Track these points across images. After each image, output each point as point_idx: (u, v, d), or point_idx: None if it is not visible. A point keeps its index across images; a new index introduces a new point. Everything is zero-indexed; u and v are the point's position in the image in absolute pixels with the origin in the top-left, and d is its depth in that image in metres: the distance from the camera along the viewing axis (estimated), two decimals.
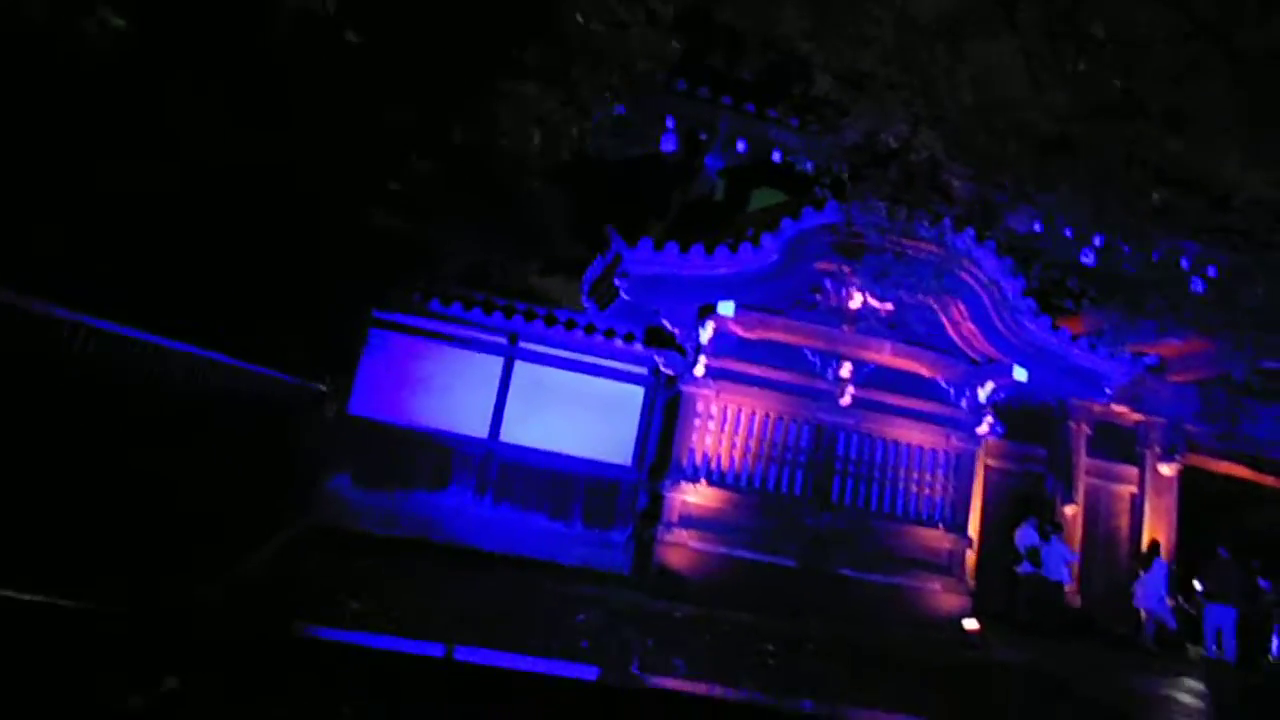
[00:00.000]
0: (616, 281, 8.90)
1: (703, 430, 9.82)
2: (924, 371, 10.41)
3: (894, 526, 10.03)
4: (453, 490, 10.08)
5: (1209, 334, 12.63)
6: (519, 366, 10.47)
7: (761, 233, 8.95)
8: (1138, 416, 13.85)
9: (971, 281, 9.55)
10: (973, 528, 12.78)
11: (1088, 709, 7.61)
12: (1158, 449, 13.79)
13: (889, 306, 9.92)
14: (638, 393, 10.72)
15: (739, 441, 9.93)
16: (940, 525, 10.14)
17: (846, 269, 9.35)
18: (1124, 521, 13.87)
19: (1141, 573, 12.23)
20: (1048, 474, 13.48)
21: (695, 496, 9.58)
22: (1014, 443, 13.48)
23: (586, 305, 10.39)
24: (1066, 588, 12.71)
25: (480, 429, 10.28)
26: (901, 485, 10.22)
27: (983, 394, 10.21)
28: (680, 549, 9.40)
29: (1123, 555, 13.44)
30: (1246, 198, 6.99)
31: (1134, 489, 13.89)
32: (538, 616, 7.12)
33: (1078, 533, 13.30)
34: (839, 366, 10.05)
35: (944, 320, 10.12)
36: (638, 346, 10.35)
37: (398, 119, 6.22)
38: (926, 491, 10.27)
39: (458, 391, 10.26)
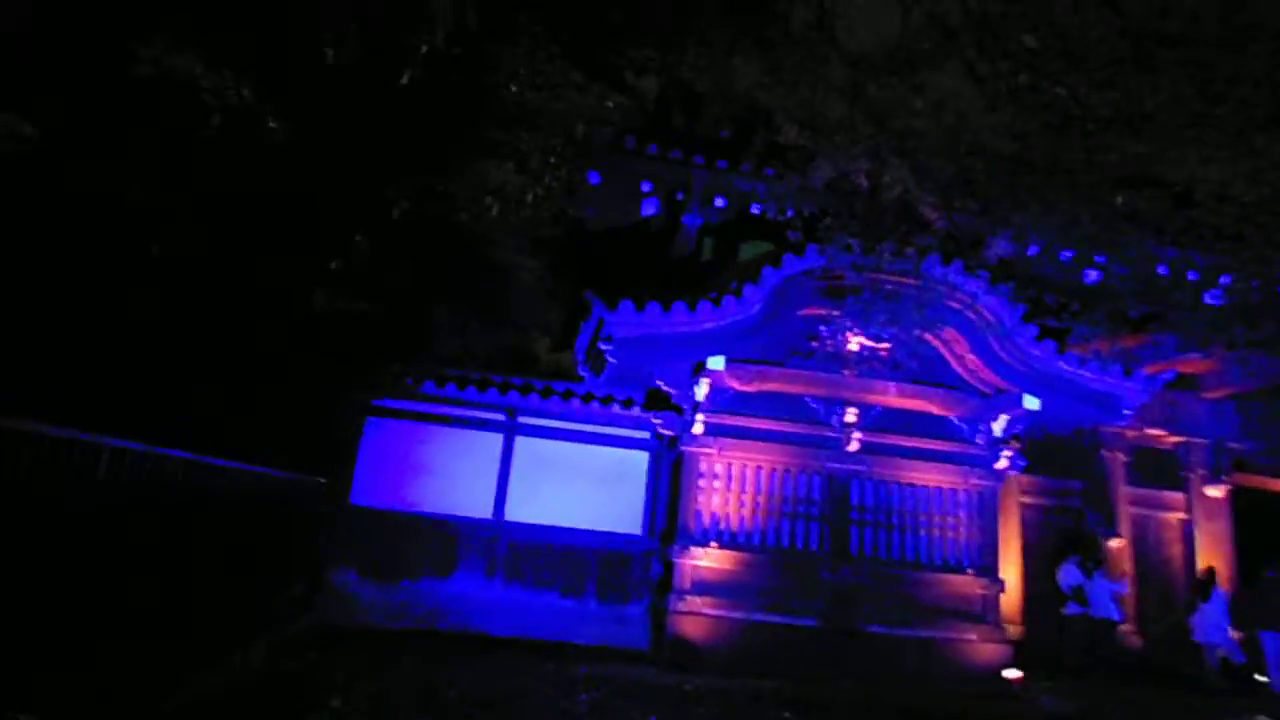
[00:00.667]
0: (602, 346, 8.83)
1: (708, 490, 9.55)
2: (934, 410, 10.07)
3: (919, 575, 9.56)
4: (459, 575, 9.87)
5: (1233, 347, 12.15)
6: (519, 442, 10.36)
7: (744, 284, 8.84)
8: (1176, 438, 13.25)
9: (965, 312, 9.29)
10: (1013, 570, 12.22)
11: None
12: (1202, 471, 13.11)
13: (886, 347, 9.69)
14: (643, 458, 10.51)
15: (747, 499, 9.63)
16: (969, 570, 9.64)
17: (835, 312, 9.17)
18: (1177, 550, 13.12)
19: (1199, 604, 11.44)
20: (1086, 508, 12.86)
21: (706, 560, 9.25)
22: (1047, 478, 12.95)
23: (583, 374, 10.30)
24: (1119, 626, 11.97)
25: (485, 509, 10.12)
26: (923, 531, 9.78)
27: (998, 428, 9.81)
28: (694, 618, 9.03)
29: (1179, 587, 12.67)
30: (1210, 193, 6.74)
31: (1183, 515, 13.18)
32: (537, 700, 6.81)
33: (1126, 566, 12.59)
34: (843, 413, 9.77)
35: (947, 355, 9.83)
36: (637, 411, 10.19)
37: (351, 201, 6.31)
38: (950, 535, 9.81)
39: (459, 473, 10.14)
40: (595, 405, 10.15)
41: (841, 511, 9.70)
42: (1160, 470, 13.29)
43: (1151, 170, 6.50)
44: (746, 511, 9.58)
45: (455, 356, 10.27)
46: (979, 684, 9.04)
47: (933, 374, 9.96)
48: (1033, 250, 10.29)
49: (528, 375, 10.39)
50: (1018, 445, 12.55)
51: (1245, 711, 9.49)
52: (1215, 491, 13.02)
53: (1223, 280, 10.91)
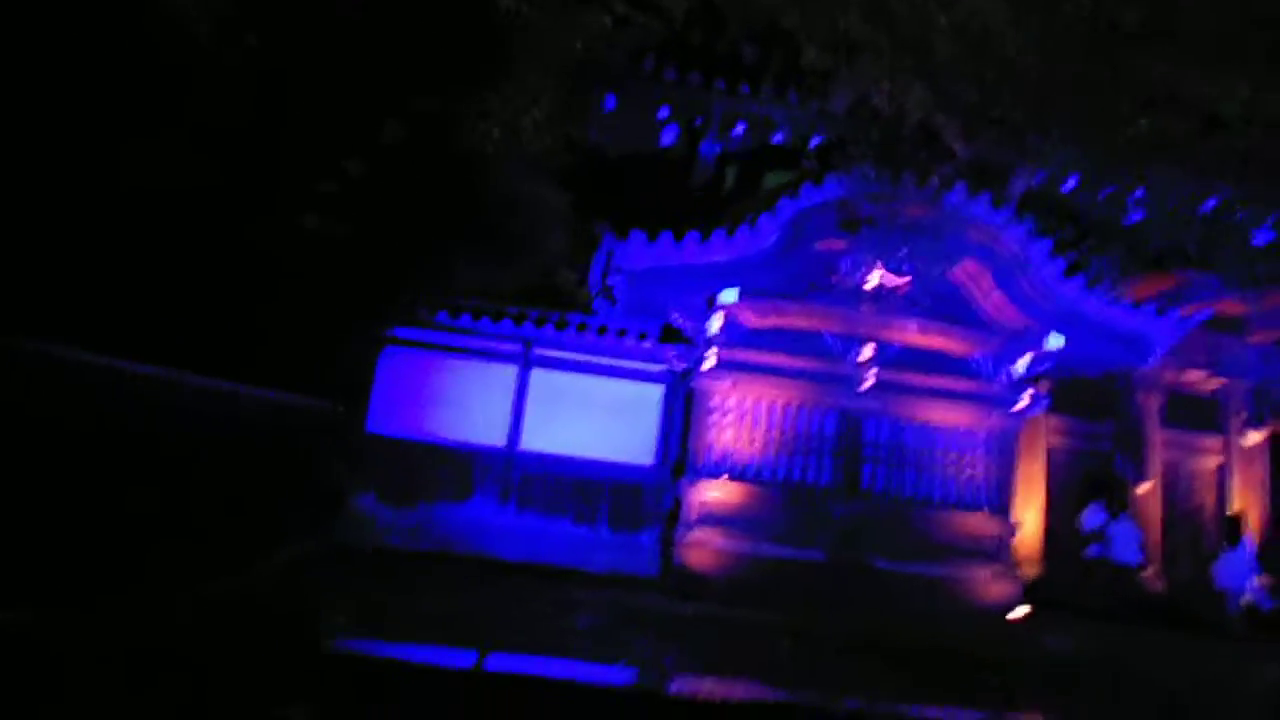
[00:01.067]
0: (612, 278, 8.74)
1: (720, 425, 9.51)
2: (955, 348, 9.82)
3: (931, 513, 9.47)
4: (475, 501, 10.05)
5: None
6: (535, 373, 10.39)
7: (760, 215, 8.62)
8: (1218, 382, 12.80)
9: (989, 245, 8.96)
10: (1035, 511, 12.06)
11: (1124, 693, 6.93)
12: (1242, 415, 12.67)
13: (906, 282, 9.42)
14: (657, 391, 10.48)
15: (759, 434, 9.58)
16: (984, 509, 9.52)
17: (854, 245, 8.91)
18: (1210, 497, 12.81)
19: (1224, 550, 11.18)
20: (1116, 450, 12.56)
21: (715, 493, 9.27)
22: (1078, 419, 12.67)
23: (597, 306, 10.23)
24: (1145, 570, 11.80)
25: (499, 438, 10.24)
26: (938, 469, 9.65)
27: (1020, 367, 9.55)
28: (701, 548, 9.10)
29: (1209, 533, 12.39)
30: (1237, 114, 6.29)
31: (1219, 460, 12.81)
32: (534, 620, 6.96)
33: (1156, 511, 12.34)
34: (860, 349, 9.59)
35: (970, 291, 9.54)
36: (651, 344, 10.12)
37: (343, 126, 6.24)
38: (966, 474, 9.67)
39: (474, 402, 10.24)
40: (610, 338, 10.11)
41: (854, 448, 9.61)
42: (1198, 414, 12.88)
43: (1179, 91, 6.10)
44: (758, 446, 9.53)
45: (472, 288, 10.27)
46: (986, 622, 9.01)
47: (955, 311, 9.69)
48: (1069, 186, 9.86)
49: (545, 307, 10.34)
50: (1045, 385, 12.27)
51: (1258, 657, 9.33)
52: (1255, 437, 12.60)
53: (1271, 219, 10.38)
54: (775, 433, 9.59)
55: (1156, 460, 12.51)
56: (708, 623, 7.66)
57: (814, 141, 8.76)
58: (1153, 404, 12.60)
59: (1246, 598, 11.05)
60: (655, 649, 6.45)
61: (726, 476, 9.31)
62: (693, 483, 9.25)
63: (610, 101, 9.34)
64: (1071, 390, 12.69)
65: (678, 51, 9.29)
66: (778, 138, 9.56)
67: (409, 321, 10.10)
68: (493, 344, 10.30)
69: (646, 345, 10.15)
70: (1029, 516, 12.06)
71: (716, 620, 7.77)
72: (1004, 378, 9.73)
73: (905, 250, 8.80)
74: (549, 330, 10.24)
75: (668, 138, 9.98)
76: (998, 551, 9.38)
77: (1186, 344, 12.75)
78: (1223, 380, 12.78)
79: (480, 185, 10.03)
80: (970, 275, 9.33)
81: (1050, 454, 12.60)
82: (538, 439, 10.30)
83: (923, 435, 9.72)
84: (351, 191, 7.59)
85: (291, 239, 8.84)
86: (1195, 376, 12.74)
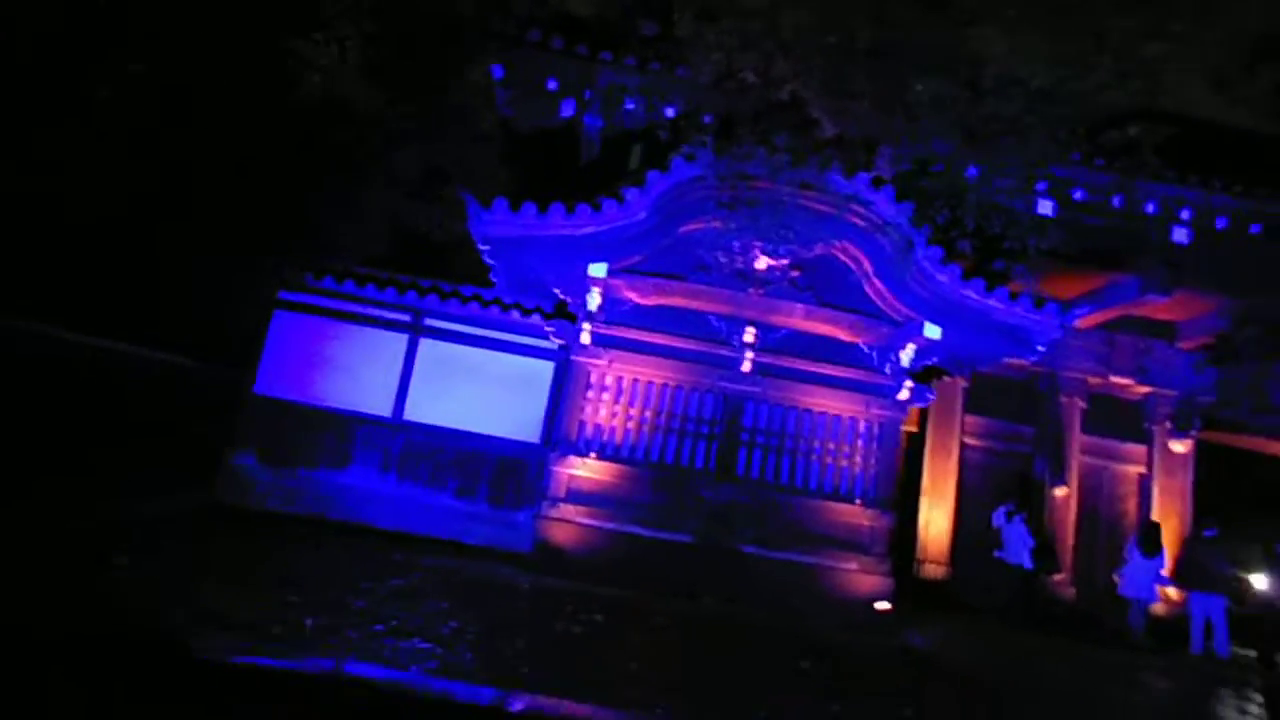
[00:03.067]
0: (479, 246, 8.67)
1: (595, 401, 9.41)
2: (843, 335, 9.64)
3: (806, 501, 9.29)
4: (355, 469, 10.04)
5: (1208, 290, 11.28)
6: (425, 344, 10.36)
7: (627, 189, 8.50)
8: (1145, 389, 12.48)
9: (867, 229, 8.76)
10: (945, 511, 11.85)
11: (932, 691, 6.74)
12: (1167, 424, 12.34)
13: (797, 266, 9.27)
14: (548, 368, 10.40)
15: (635, 412, 9.46)
16: (858, 500, 9.31)
17: (730, 224, 8.75)
18: (1131, 505, 12.51)
19: (1129, 559, 10.86)
20: (1036, 454, 12.30)
21: (584, 470, 9.17)
22: (997, 420, 12.45)
23: (495, 279, 10.16)
24: (1056, 576, 11.55)
25: (385, 407, 10.22)
26: (817, 457, 9.47)
27: (905, 357, 9.33)
28: (565, 525, 9.01)
29: (1130, 541, 12.03)
30: (1000, 76, 6.08)
31: (1142, 468, 12.49)
32: (342, 580, 6.90)
33: (1071, 517, 12.07)
34: (743, 332, 9.44)
35: (857, 277, 9.35)
36: (536, 319, 10.04)
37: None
38: (845, 464, 9.47)
39: (362, 369, 10.23)
40: (496, 310, 10.05)
41: (732, 432, 9.46)
42: (1122, 420, 12.59)
43: (953, 53, 5.92)
44: (633, 425, 9.42)
45: (370, 256, 10.26)
46: (852, 614, 8.82)
47: (846, 298, 9.50)
48: (972, 172, 9.63)
49: (441, 278, 10.30)
50: (961, 383, 12.04)
51: (1145, 669, 9.05)
52: (1179, 446, 12.28)
53: (1183, 215, 10.09)
54: (651, 412, 9.47)
55: (1075, 466, 12.23)
56: (544, 596, 7.56)
57: (677, 115, 8.60)
58: (1075, 408, 12.32)
59: (1149, 607, 10.74)
60: (458, 618, 6.36)
61: (595, 454, 9.20)
62: (561, 458, 9.16)
63: (498, 71, 9.26)
64: (991, 391, 12.48)
65: (566, 20, 9.20)
66: (670, 112, 9.43)
67: (301, 286, 10.10)
68: (383, 312, 10.30)
69: (534, 320, 10.06)
70: (938, 517, 11.89)
71: (555, 594, 7.67)
72: (890, 368, 9.53)
73: (783, 230, 8.63)
74: (444, 301, 10.20)
75: (569, 110, 9.88)
76: (870, 544, 9.18)
77: (1112, 349, 12.51)
78: (1150, 387, 12.46)
79: (382, 153, 10.03)
80: (853, 259, 9.15)
81: (966, 455, 12.39)
82: (424, 410, 10.26)
83: (804, 422, 9.55)
84: (241, 153, 7.65)
85: (180, 202, 8.90)
86: (1121, 382, 12.44)
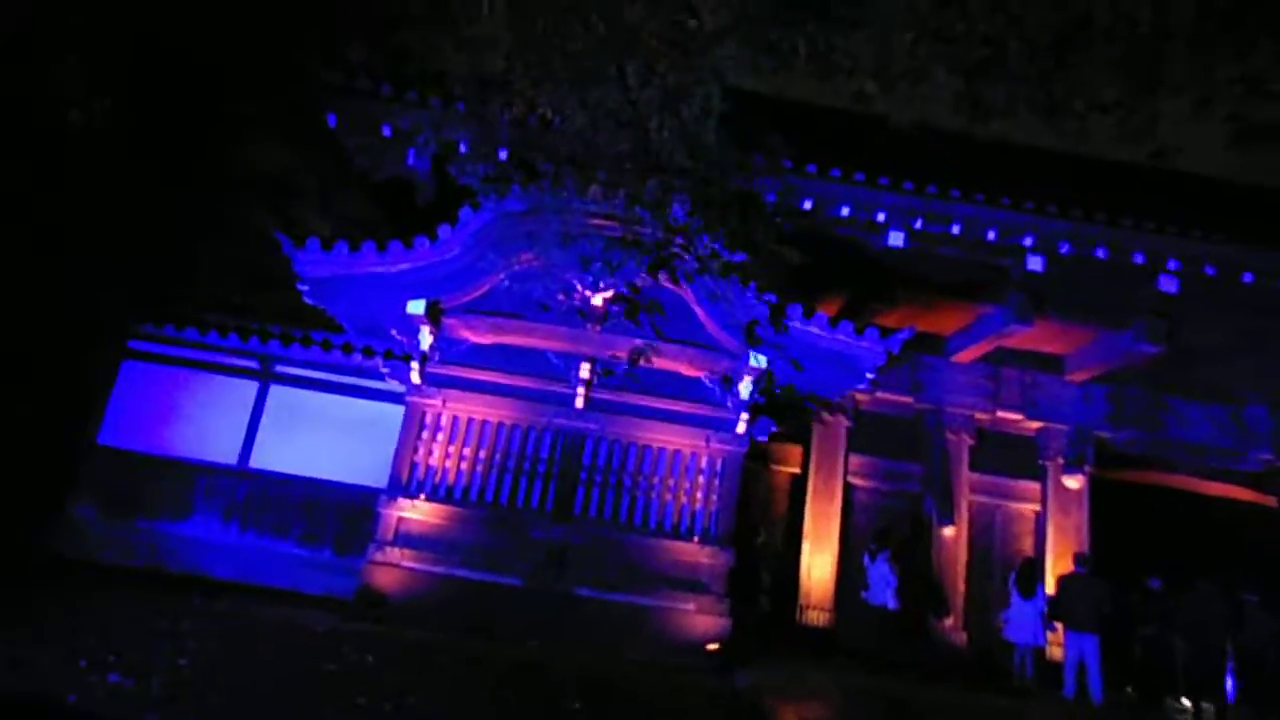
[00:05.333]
0: (299, 286, 8.66)
1: (427, 443, 9.25)
2: (685, 370, 9.49)
3: (643, 541, 9.00)
4: (197, 519, 9.87)
5: (1075, 319, 11.12)
6: (275, 390, 10.29)
7: (439, 226, 8.52)
8: (1035, 424, 12.20)
9: (690, 260, 8.70)
10: (831, 555, 11.47)
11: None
12: (1060, 459, 12.02)
13: (625, 299, 9.20)
14: (398, 411, 10.23)
15: (470, 453, 9.28)
16: (699, 539, 9.02)
17: (553, 259, 8.72)
18: (1028, 544, 12.08)
19: (1013, 601, 10.42)
20: (925, 493, 11.96)
21: (413, 513, 8.95)
22: (885, 459, 12.16)
23: (343, 324, 10.14)
24: (945, 621, 11.14)
25: (231, 455, 10.09)
26: (655, 495, 9.22)
27: (744, 390, 9.15)
28: (391, 569, 8.76)
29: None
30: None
31: (1037, 506, 12.11)
32: (121, 627, 6.66)
33: (961, 557, 11.66)
34: (580, 369, 9.32)
35: (691, 310, 9.27)
36: (380, 361, 9.96)
37: None
38: (684, 501, 9.21)
39: (210, 418, 10.16)
40: (356, 356, 10.02)
41: (571, 471, 9.24)
42: (1015, 457, 12.28)
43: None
44: (467, 465, 9.23)
45: (216, 303, 10.29)
46: (686, 656, 8.44)
47: (685, 331, 9.40)
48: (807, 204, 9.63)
49: (296, 323, 10.29)
50: (844, 421, 11.79)
51: (1000, 714, 8.58)
52: (1072, 482, 11.92)
53: (1026, 243, 9.97)
54: (487, 452, 9.28)
55: (965, 505, 11.87)
56: (350, 639, 7.26)
57: (499, 154, 8.66)
58: (962, 445, 12.04)
59: (1040, 650, 10.28)
60: (200, 658, 6.11)
61: (424, 497, 9.00)
62: (390, 501, 8.96)
63: (332, 120, 9.40)
64: (878, 430, 12.23)
65: (395, 66, 9.36)
66: (503, 154, 9.50)
67: (147, 335, 10.11)
68: (232, 359, 10.28)
69: (379, 363, 9.98)
70: (821, 561, 11.51)
71: (338, 637, 7.38)
72: (731, 402, 9.34)
73: (602, 265, 8.60)
74: (294, 348, 10.17)
75: (409, 155, 9.99)
76: (709, 582, 8.85)
77: (998, 384, 12.27)
78: (1041, 422, 12.18)
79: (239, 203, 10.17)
80: (681, 291, 9.07)
81: (853, 495, 12.07)
82: (272, 457, 10.13)
83: (644, 459, 9.33)
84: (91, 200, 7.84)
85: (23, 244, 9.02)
86: (1010, 417, 12.18)
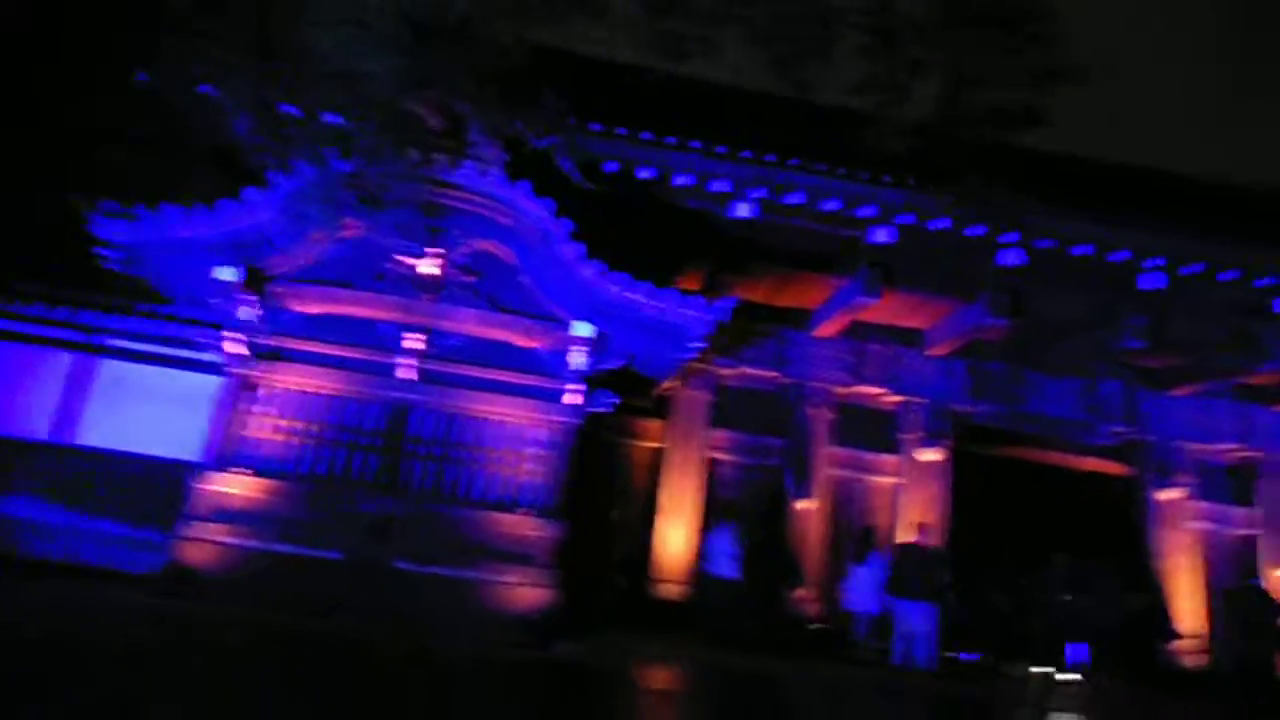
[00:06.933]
0: (102, 251, 8.33)
1: (245, 414, 8.98)
2: (519, 340, 9.34)
3: (469, 513, 8.86)
4: (15, 498, 9.46)
5: (925, 291, 11.20)
6: (102, 363, 9.92)
7: (247, 189, 8.25)
8: (896, 398, 12.29)
9: (514, 227, 8.55)
10: (689, 528, 11.42)
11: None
12: (920, 433, 12.12)
13: (458, 268, 9.02)
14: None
15: (293, 426, 9.03)
16: (522, 510, 8.90)
17: (378, 226, 8.48)
18: (886, 518, 12.16)
19: (851, 570, 10.50)
20: (785, 467, 11.99)
21: (227, 487, 8.68)
22: (747, 434, 12.16)
23: (169, 294, 9.79)
24: (799, 593, 11.18)
25: (55, 432, 9.70)
26: (481, 467, 9.07)
27: (574, 360, 9.04)
28: (201, 544, 8.48)
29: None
30: None
31: (895, 479, 12.21)
32: None
33: (818, 531, 11.72)
34: (410, 339, 9.12)
35: (521, 279, 9.12)
36: (208, 333, 9.63)
37: None
38: (510, 473, 9.08)
39: (28, 392, 9.75)
40: (162, 324, 9.67)
41: (396, 443, 9.05)
42: (874, 431, 12.37)
43: None
44: (291, 439, 8.99)
45: (32, 272, 9.87)
46: (509, 629, 8.32)
47: (518, 301, 9.26)
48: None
49: (115, 295, 9.90)
50: (706, 396, 11.74)
51: (817, 680, 8.62)
52: (931, 455, 12.03)
53: (868, 214, 9.99)
54: (311, 424, 9.05)
55: (824, 478, 11.92)
56: (101, 613, 7.01)
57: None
58: (822, 419, 12.09)
59: (873, 617, 10.37)
60: None
61: (239, 469, 8.74)
62: (203, 474, 8.68)
63: (142, 77, 9.02)
64: (740, 404, 12.21)
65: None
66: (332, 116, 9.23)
67: None
68: (52, 330, 9.86)
69: (206, 334, 9.66)
70: (676, 535, 11.46)
71: (120, 611, 7.13)
72: (565, 373, 9.21)
73: (427, 231, 8.41)
74: (119, 318, 9.80)
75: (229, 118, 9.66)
76: (534, 555, 8.73)
77: (860, 358, 12.33)
78: (902, 396, 12.27)
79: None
80: (508, 258, 8.91)
81: (716, 470, 12.04)
82: (96, 433, 9.77)
83: (472, 430, 9.17)
84: None
85: None
86: (871, 391, 12.26)
